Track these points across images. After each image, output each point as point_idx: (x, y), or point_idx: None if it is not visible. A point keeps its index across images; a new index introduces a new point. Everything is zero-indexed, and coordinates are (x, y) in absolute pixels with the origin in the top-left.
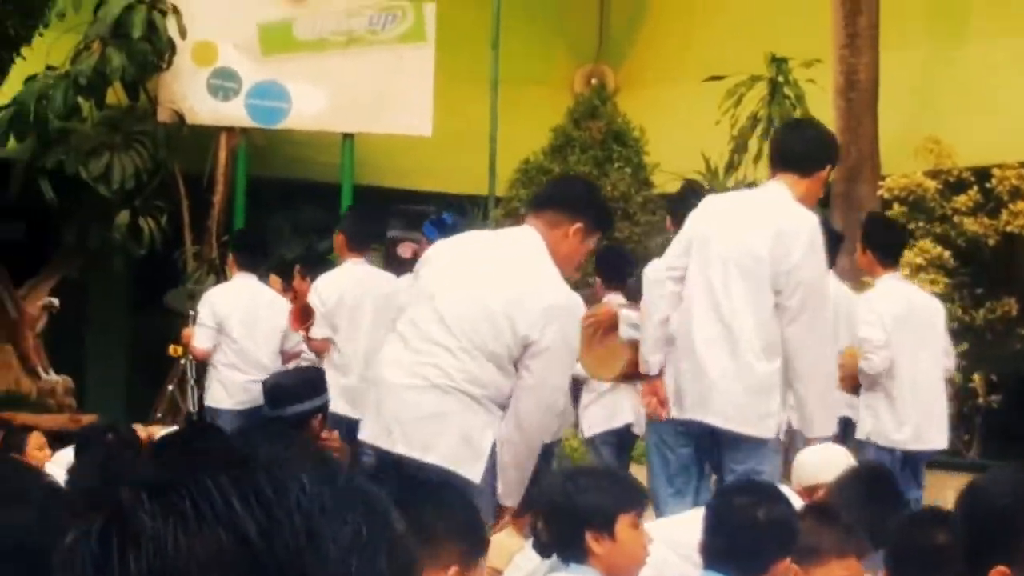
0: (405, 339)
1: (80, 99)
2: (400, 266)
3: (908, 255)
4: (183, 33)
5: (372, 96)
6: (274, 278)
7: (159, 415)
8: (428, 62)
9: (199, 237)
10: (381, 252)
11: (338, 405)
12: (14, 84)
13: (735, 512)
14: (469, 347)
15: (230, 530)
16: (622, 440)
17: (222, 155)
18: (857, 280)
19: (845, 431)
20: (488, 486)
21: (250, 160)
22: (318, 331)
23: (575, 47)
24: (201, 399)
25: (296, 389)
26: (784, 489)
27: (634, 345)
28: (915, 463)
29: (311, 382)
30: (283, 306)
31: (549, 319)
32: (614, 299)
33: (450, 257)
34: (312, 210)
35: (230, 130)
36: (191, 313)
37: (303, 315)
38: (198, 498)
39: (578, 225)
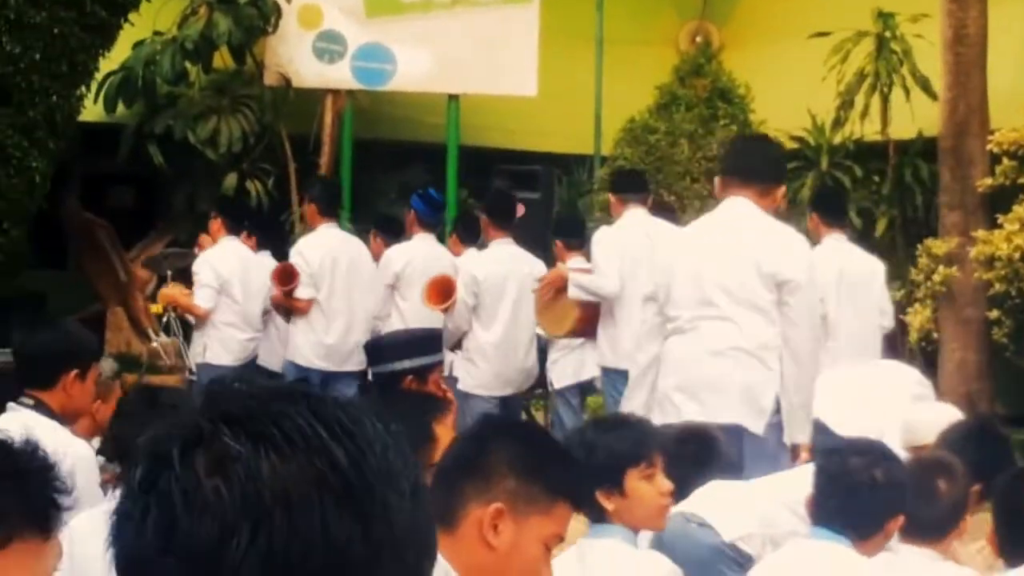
0: (679, 316)
1: (187, 64)
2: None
3: (1019, 210)
4: None
5: (477, 57)
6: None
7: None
8: (533, 22)
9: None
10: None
11: (316, 362)
12: (122, 50)
13: (850, 473)
14: (744, 309)
15: (323, 456)
16: (585, 393)
17: (328, 117)
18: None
19: None
20: (772, 435)
21: (356, 122)
22: (304, 292)
23: (680, 5)
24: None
25: (404, 346)
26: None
27: (581, 304)
28: None
29: (424, 340)
30: (267, 266)
31: (798, 260)
32: (576, 261)
33: (691, 240)
34: (418, 171)
35: (336, 92)
36: (168, 273)
37: (286, 276)
38: (284, 427)
39: (783, 189)
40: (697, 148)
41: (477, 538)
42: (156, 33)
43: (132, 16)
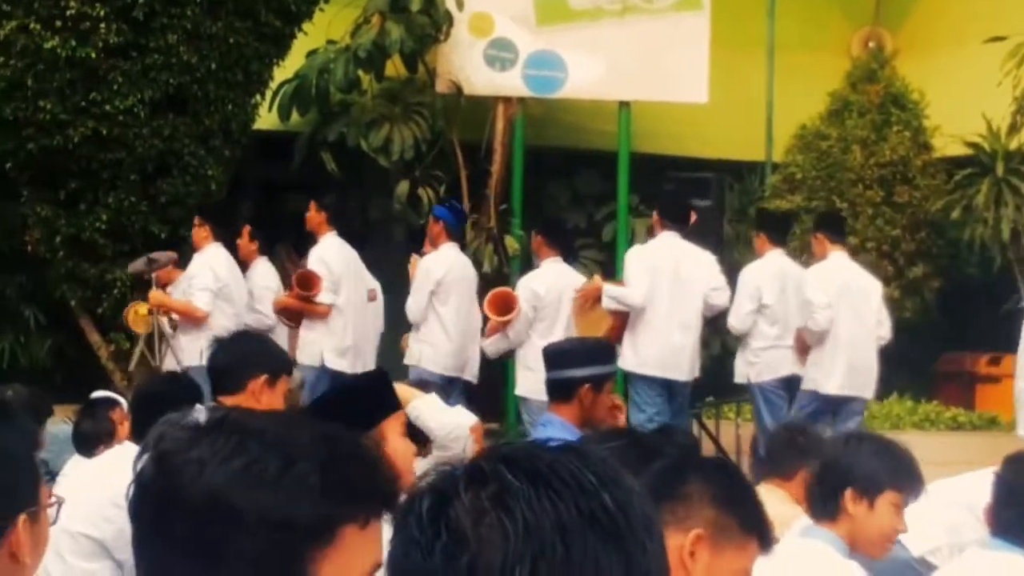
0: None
1: (360, 72)
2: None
3: None
4: (460, 5)
5: (647, 64)
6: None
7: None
8: (704, 29)
9: (477, 206)
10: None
11: (340, 363)
12: (296, 58)
13: None
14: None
15: (594, 499)
16: (792, 388)
17: (499, 125)
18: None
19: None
20: None
21: (527, 129)
22: (327, 297)
23: (852, 10)
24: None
25: (581, 354)
26: None
27: (614, 313)
28: None
29: (596, 350)
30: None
31: None
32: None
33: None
34: (589, 178)
35: (507, 100)
36: (152, 277)
37: (307, 282)
38: (559, 470)
39: None
40: (870, 154)
41: (677, 564)
42: (329, 42)
43: (306, 25)
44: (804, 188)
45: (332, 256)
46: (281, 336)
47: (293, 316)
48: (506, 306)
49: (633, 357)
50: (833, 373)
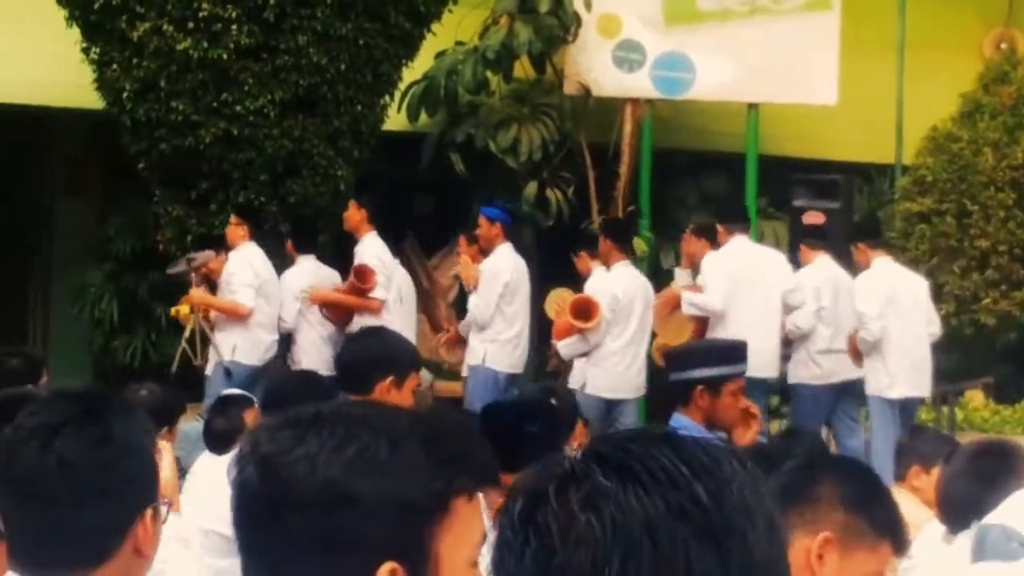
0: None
1: (488, 73)
2: (804, 235)
3: None
4: (588, 6)
5: (776, 65)
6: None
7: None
8: (833, 30)
9: (605, 208)
10: (786, 221)
11: None
12: (425, 60)
13: None
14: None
15: (685, 492)
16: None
17: (627, 126)
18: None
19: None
20: None
21: (655, 130)
22: (380, 292)
23: (984, 10)
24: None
25: (692, 356)
26: None
27: (695, 319)
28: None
29: (709, 351)
30: (309, 270)
31: None
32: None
33: None
34: (717, 180)
35: (635, 101)
36: (191, 277)
37: (363, 276)
38: (649, 464)
39: None
40: (1002, 157)
41: (803, 566)
42: (458, 43)
43: (435, 26)
44: (935, 191)
45: (384, 252)
46: (308, 336)
47: (339, 312)
48: (588, 311)
49: None
50: (896, 379)
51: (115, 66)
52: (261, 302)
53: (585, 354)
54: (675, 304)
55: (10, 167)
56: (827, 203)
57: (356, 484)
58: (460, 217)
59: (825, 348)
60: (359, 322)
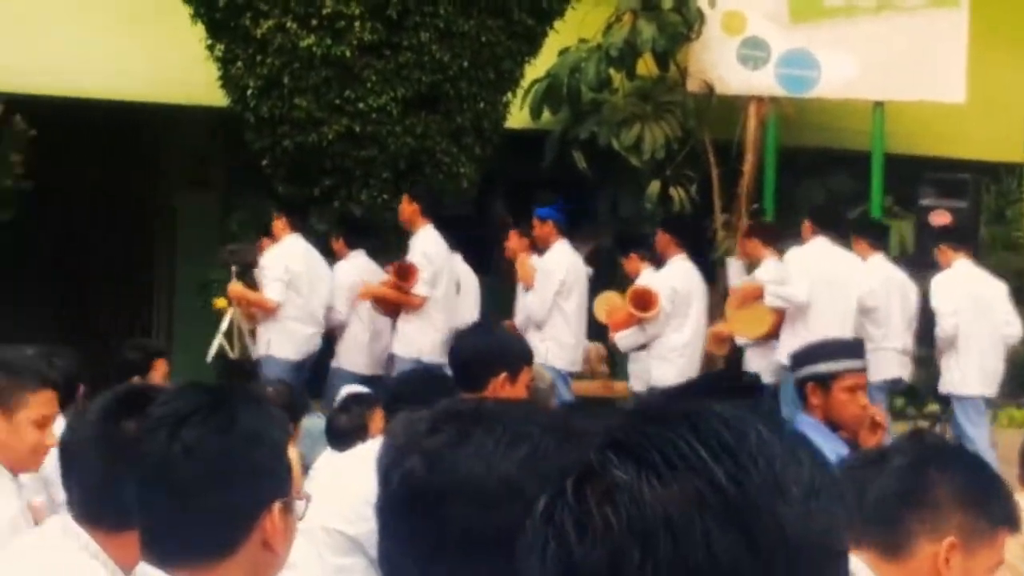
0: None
1: (611, 71)
2: (939, 237)
3: None
4: (712, 3)
5: (902, 62)
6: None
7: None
8: (961, 26)
9: (728, 206)
10: (913, 220)
11: (436, 357)
12: (548, 57)
13: None
14: None
15: (702, 477)
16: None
17: (751, 124)
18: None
19: None
20: None
21: (779, 128)
22: (423, 288)
23: None
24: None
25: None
26: None
27: (777, 311)
28: None
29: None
30: (361, 266)
31: None
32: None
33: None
34: (842, 178)
35: (759, 99)
36: (234, 269)
37: (405, 273)
38: (665, 450)
39: None
40: None
41: (930, 571)
42: (581, 40)
43: (558, 24)
44: None
45: (433, 249)
46: (352, 332)
47: (390, 307)
48: (647, 302)
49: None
50: (967, 377)
51: (239, 63)
52: (292, 295)
53: (643, 346)
54: (751, 295)
55: (135, 163)
56: (954, 202)
57: (529, 482)
58: (582, 214)
59: (874, 347)
60: (407, 318)
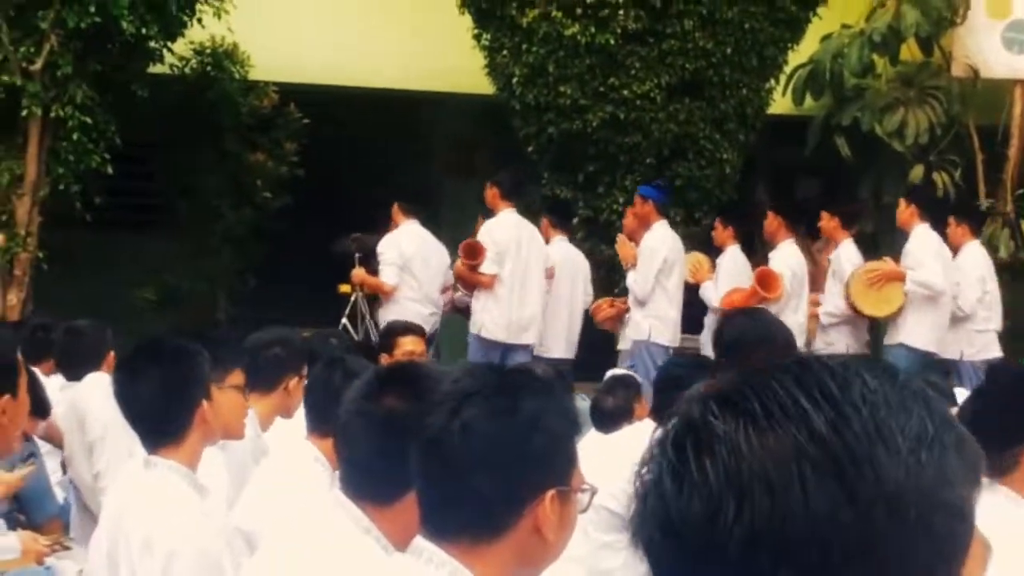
0: None
1: (874, 56)
2: None
3: None
4: None
5: None
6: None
7: None
8: None
9: (992, 191)
10: None
11: (498, 334)
12: (810, 43)
13: None
14: None
15: (801, 427)
16: None
17: (1017, 108)
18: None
19: None
20: None
21: None
22: (489, 267)
23: None
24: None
25: None
26: None
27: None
28: None
29: None
30: (563, 250)
31: None
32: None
33: None
34: None
35: None
36: (357, 255)
37: (472, 252)
38: (765, 400)
39: None
40: None
41: None
42: (844, 26)
43: (820, 10)
44: None
45: (499, 229)
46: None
47: (468, 285)
48: (773, 283)
49: (923, 335)
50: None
51: (505, 52)
52: (408, 278)
53: None
54: (889, 278)
55: (401, 151)
56: None
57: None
58: (844, 200)
59: (983, 329)
60: (477, 295)
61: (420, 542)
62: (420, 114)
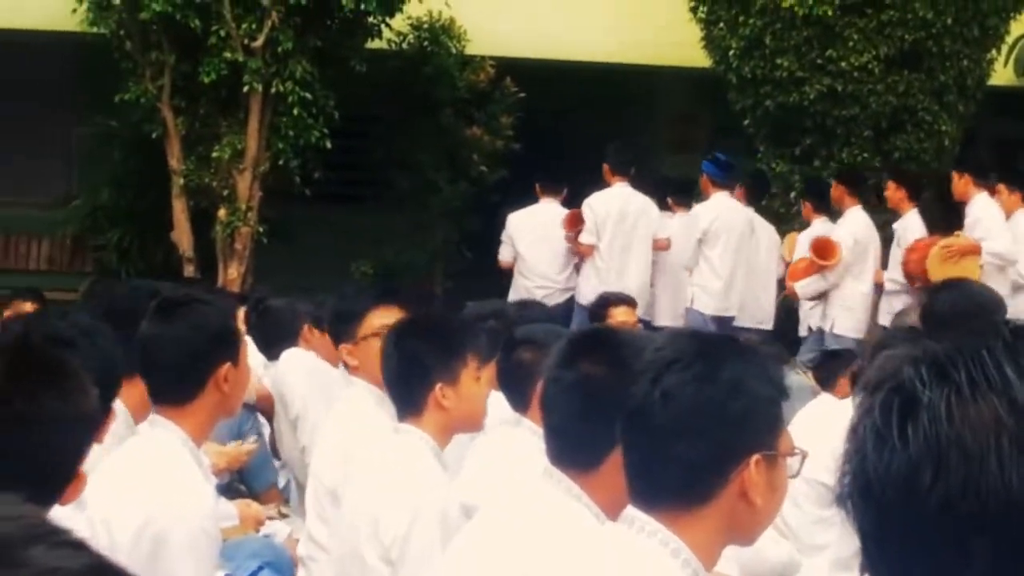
0: None
1: None
2: None
3: None
4: None
5: None
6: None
7: None
8: None
9: None
10: None
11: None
12: None
13: None
14: None
15: (1003, 397)
16: None
17: None
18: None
19: None
20: None
21: None
22: (586, 237)
23: None
24: None
25: None
26: None
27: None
28: None
29: None
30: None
31: None
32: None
33: None
34: None
35: None
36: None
37: (574, 220)
38: (972, 369)
39: None
40: None
41: None
42: None
43: None
44: None
45: (598, 202)
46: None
47: (576, 252)
48: (828, 251)
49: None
50: None
51: (722, 24)
52: (518, 255)
53: (822, 295)
54: (964, 251)
55: (616, 124)
56: None
57: None
58: None
59: None
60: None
61: (631, 511)
62: (636, 87)
